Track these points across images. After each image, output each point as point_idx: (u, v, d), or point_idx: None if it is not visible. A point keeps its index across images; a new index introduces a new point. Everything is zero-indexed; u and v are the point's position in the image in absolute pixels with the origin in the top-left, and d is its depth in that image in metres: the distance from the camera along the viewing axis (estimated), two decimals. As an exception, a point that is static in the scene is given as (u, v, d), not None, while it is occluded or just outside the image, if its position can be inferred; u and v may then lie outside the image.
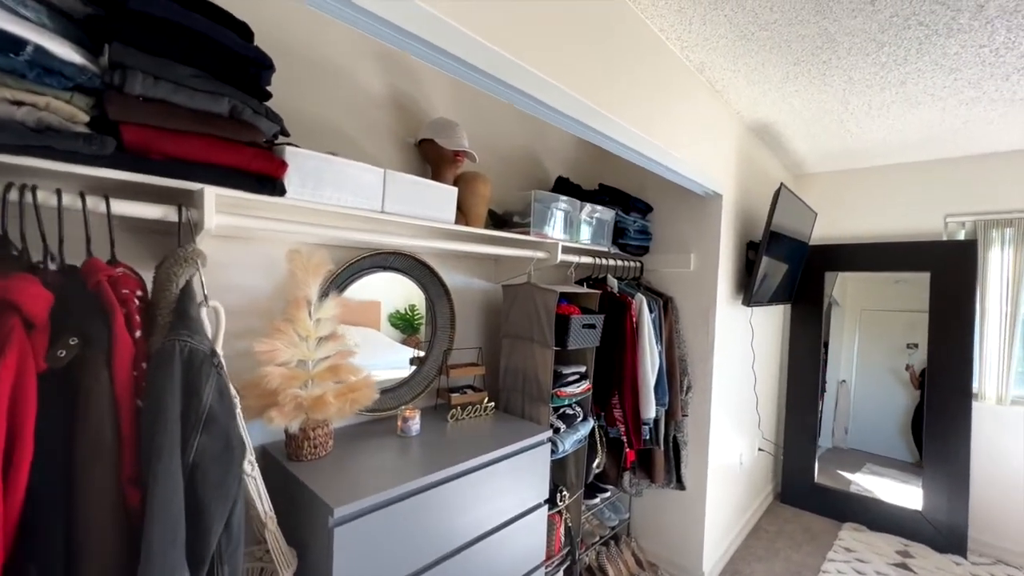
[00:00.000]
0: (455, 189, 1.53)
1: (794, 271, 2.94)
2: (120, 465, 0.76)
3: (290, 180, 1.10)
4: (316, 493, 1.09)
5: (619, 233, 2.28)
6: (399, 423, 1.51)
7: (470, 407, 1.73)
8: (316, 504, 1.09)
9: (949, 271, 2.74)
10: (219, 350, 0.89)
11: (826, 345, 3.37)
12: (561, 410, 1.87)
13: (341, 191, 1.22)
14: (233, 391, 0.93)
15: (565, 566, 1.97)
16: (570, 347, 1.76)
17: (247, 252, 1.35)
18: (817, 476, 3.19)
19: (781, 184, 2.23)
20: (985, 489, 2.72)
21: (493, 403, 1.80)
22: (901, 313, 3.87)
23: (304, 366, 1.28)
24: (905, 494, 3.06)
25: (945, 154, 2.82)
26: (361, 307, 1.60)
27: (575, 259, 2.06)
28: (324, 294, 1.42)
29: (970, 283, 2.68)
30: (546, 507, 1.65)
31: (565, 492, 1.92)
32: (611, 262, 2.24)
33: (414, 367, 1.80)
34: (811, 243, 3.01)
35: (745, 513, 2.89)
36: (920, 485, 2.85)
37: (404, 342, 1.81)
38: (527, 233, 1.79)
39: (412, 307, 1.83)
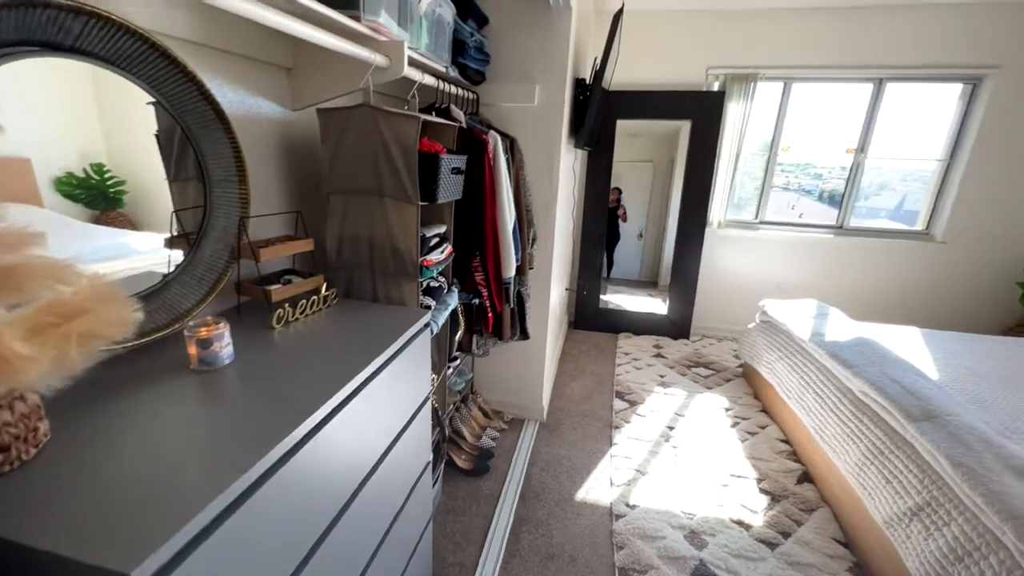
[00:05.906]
0: None
1: (598, 115, 2.96)
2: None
3: None
4: None
5: (458, 48, 1.72)
6: (192, 349, 0.85)
7: (304, 302, 1.14)
8: None
9: (706, 119, 3.22)
10: None
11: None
12: (425, 283, 1.47)
13: None
14: None
15: (434, 445, 1.79)
16: (440, 200, 1.30)
17: None
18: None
19: (623, 4, 2.00)
20: (703, 290, 3.71)
21: (334, 289, 1.24)
22: (635, 164, 4.65)
23: None
24: (645, 304, 4.01)
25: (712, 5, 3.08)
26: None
27: (417, 77, 1.46)
28: None
29: (717, 130, 3.23)
30: (429, 401, 1.34)
31: (433, 375, 1.63)
32: (451, 88, 1.71)
33: (181, 252, 1.04)
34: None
35: (556, 344, 3.25)
36: (651, 296, 3.71)
37: (97, 220, 0.97)
38: (357, 20, 1.09)
39: (99, 167, 0.96)
